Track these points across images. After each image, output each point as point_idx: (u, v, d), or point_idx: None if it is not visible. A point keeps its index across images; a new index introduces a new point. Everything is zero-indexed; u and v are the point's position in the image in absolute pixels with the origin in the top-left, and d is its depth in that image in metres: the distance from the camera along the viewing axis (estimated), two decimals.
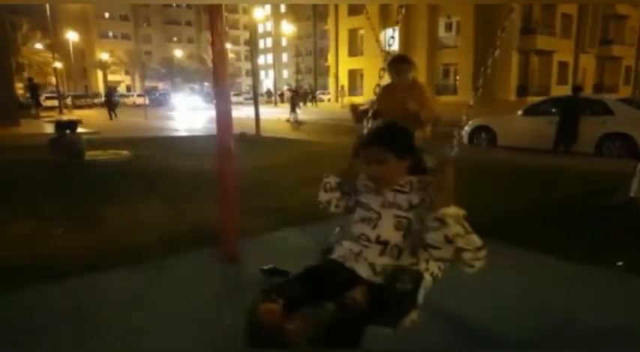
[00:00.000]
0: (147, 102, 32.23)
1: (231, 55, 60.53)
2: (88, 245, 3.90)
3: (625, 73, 42.59)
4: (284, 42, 77.84)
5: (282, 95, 43.99)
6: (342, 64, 41.33)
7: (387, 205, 1.76)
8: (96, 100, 39.71)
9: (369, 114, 2.38)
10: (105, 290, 3.00)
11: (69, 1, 51.43)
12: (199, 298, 2.88)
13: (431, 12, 34.48)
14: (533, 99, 16.21)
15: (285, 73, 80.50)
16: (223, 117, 3.42)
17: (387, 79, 3.26)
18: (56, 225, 4.42)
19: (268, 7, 72.39)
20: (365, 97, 31.97)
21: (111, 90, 27.01)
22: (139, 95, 42.45)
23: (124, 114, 24.79)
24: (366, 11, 2.91)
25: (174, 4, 75.73)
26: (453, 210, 1.54)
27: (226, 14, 3.50)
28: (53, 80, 34.55)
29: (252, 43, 21.90)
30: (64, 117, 17.38)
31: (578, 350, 2.33)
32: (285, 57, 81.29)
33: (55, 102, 29.53)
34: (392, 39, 2.37)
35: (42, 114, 22.22)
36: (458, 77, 34.83)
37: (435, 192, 1.64)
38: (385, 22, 28.70)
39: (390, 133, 1.80)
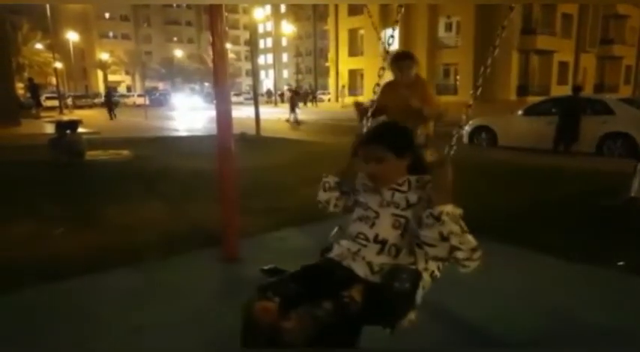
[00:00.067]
0: (147, 102, 32.28)
1: (231, 55, 60.58)
2: (88, 245, 3.90)
3: (625, 72, 42.59)
4: (284, 42, 77.89)
5: (282, 95, 44.00)
6: (343, 64, 41.33)
7: (385, 204, 1.76)
8: (96, 100, 39.77)
9: (369, 113, 2.37)
10: (105, 290, 3.00)
11: (69, 1, 51.45)
12: (199, 298, 2.89)
13: (431, 12, 34.50)
14: (533, 99, 16.21)
15: (286, 73, 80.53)
16: (223, 118, 3.42)
17: (387, 78, 3.25)
18: (56, 225, 4.42)
19: (268, 7, 72.46)
20: (365, 97, 31.97)
21: (110, 90, 27.03)
22: (139, 95, 42.53)
23: (124, 115, 24.83)
24: (368, 10, 2.90)
25: (174, 5, 75.85)
26: (450, 208, 1.53)
27: (226, 14, 3.50)
28: (53, 80, 34.57)
29: (252, 43, 21.89)
30: (65, 118, 17.39)
31: (578, 350, 2.33)
32: (285, 57, 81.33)
33: (56, 103, 29.59)
34: (392, 38, 2.36)
35: (42, 114, 22.26)
36: (458, 77, 34.84)
37: (433, 191, 1.63)
38: (385, 22, 28.68)
39: (389, 132, 1.80)
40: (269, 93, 51.16)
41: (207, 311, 2.68)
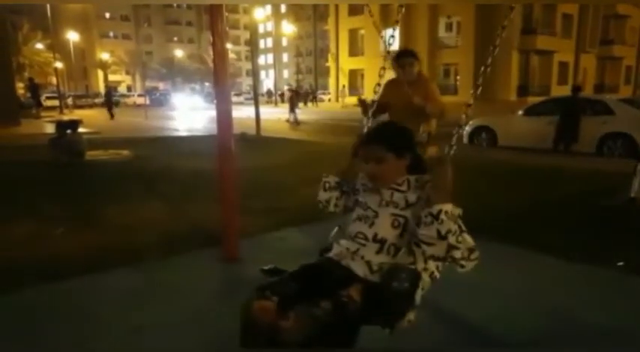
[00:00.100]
0: (147, 102, 32.30)
1: (231, 55, 60.56)
2: (88, 245, 3.90)
3: (626, 73, 42.58)
4: (284, 42, 77.89)
5: (282, 95, 44.00)
6: (343, 64, 41.34)
7: (384, 204, 1.76)
8: (96, 100, 39.80)
9: (370, 113, 2.37)
10: (105, 290, 3.00)
11: (69, 1, 51.44)
12: (199, 298, 2.89)
13: (431, 12, 34.51)
14: (533, 100, 16.23)
15: (286, 73, 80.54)
16: (224, 117, 3.42)
17: (387, 78, 3.26)
18: (56, 225, 4.42)
19: (269, 7, 72.46)
20: (366, 97, 31.94)
21: (110, 90, 27.04)
22: (139, 95, 42.55)
23: (124, 115, 24.84)
24: (369, 9, 2.90)
25: (174, 5, 75.87)
26: (449, 207, 1.53)
27: (227, 14, 3.50)
28: (54, 80, 34.57)
29: (252, 43, 21.89)
30: (65, 117, 17.38)
31: (578, 350, 2.33)
32: (285, 57, 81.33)
33: (56, 102, 29.59)
34: (392, 38, 2.36)
35: (42, 114, 22.28)
36: (458, 77, 34.85)
37: (433, 190, 1.63)
38: (386, 22, 28.69)
39: (389, 132, 1.80)
40: (269, 93, 51.15)
41: (207, 311, 2.68)
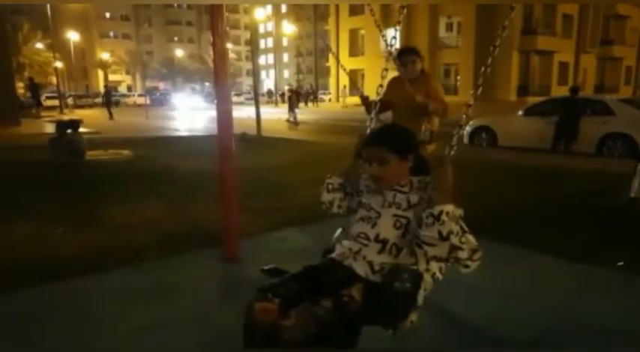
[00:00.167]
0: (148, 102, 32.31)
1: (232, 55, 60.62)
2: (88, 245, 3.90)
3: (626, 73, 42.58)
4: (285, 42, 77.89)
5: (283, 95, 44.02)
6: (343, 63, 41.28)
7: (386, 205, 1.76)
8: (97, 100, 39.77)
9: (372, 114, 2.35)
10: (105, 290, 3.00)
11: (69, 1, 51.44)
12: (199, 298, 2.89)
13: (432, 12, 34.50)
14: (533, 100, 16.20)
15: (286, 73, 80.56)
16: (224, 117, 3.42)
17: (389, 78, 3.25)
18: (56, 225, 4.42)
19: (269, 7, 72.38)
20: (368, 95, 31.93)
21: (109, 89, 27.03)
22: (139, 95, 42.59)
23: (125, 114, 24.84)
24: (371, 9, 2.90)
25: (175, 5, 75.89)
26: (450, 208, 1.53)
27: (227, 14, 3.50)
28: (54, 80, 34.57)
29: (253, 43, 21.85)
30: (65, 117, 17.38)
31: (578, 350, 2.33)
32: (286, 57, 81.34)
33: (56, 102, 29.60)
34: (394, 39, 2.36)
35: (43, 113, 22.28)
36: (459, 77, 34.83)
37: (434, 191, 1.64)
38: (387, 22, 28.65)
39: (392, 134, 1.80)
40: (270, 93, 51.17)
41: (207, 311, 2.69)
